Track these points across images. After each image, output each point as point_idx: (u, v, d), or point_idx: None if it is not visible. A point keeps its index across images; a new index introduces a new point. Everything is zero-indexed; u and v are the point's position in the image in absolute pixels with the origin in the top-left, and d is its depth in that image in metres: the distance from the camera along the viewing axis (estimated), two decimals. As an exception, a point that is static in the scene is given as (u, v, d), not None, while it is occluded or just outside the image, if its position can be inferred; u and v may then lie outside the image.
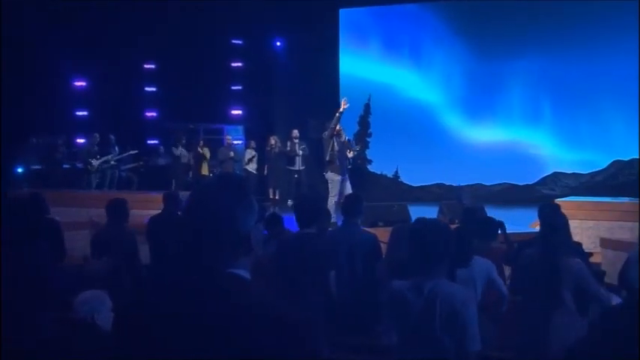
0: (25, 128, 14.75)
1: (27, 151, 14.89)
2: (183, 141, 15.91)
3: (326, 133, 10.59)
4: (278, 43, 17.94)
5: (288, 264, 4.78)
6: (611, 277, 6.14)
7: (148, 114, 17.90)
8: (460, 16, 16.61)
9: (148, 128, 17.80)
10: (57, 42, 14.87)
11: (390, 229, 5.68)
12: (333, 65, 17.26)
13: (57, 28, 14.99)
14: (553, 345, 4.11)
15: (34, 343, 2.80)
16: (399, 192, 16.16)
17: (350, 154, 10.92)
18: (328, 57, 17.08)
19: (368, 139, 17.40)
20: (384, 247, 5.66)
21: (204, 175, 15.52)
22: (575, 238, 7.37)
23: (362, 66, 17.33)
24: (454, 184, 16.11)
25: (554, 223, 4.47)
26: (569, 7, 15.32)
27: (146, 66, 17.73)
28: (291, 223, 7.12)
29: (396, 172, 17.29)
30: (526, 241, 5.67)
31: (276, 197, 15.46)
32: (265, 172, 15.66)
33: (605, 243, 8.43)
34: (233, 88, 17.88)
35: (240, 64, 17.88)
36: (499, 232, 5.72)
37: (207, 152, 15.79)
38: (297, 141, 14.83)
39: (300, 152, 14.74)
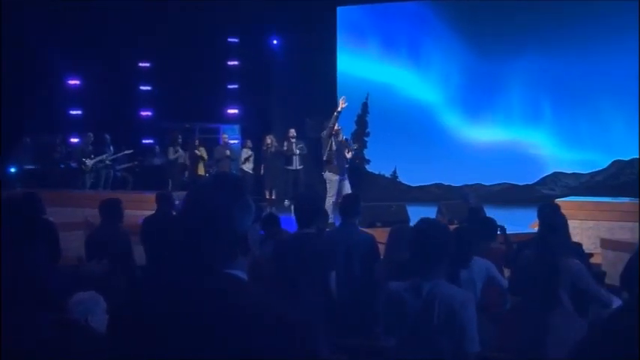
0: (18, 127, 14.72)
1: (20, 151, 14.86)
2: (180, 140, 15.90)
3: (324, 132, 10.59)
4: (275, 42, 17.94)
5: (288, 264, 4.77)
6: (612, 278, 6.15)
7: (143, 113, 17.89)
8: (459, 15, 16.62)
9: (143, 128, 17.78)
10: (50, 40, 14.85)
11: (388, 229, 5.66)
12: (330, 64, 17.26)
13: (51, 25, 14.98)
14: (552, 346, 4.11)
15: (31, 343, 2.80)
16: (398, 192, 16.16)
17: (349, 155, 10.92)
18: (326, 55, 17.07)
19: (366, 139, 17.40)
20: (382, 247, 5.66)
21: (200, 175, 15.51)
22: (575, 238, 7.39)
23: (360, 64, 17.33)
24: (460, 184, 16.15)
25: (553, 223, 4.48)
26: (569, 7, 15.34)
27: (141, 64, 17.72)
28: (287, 223, 7.12)
29: (395, 172, 17.29)
30: (525, 241, 5.67)
31: (273, 197, 15.45)
32: (261, 171, 15.65)
33: (605, 243, 8.44)
34: (229, 86, 17.88)
35: (236, 63, 17.87)
36: (498, 232, 5.74)
37: (204, 152, 15.79)
38: (294, 140, 14.82)
39: (298, 152, 14.73)
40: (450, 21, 16.76)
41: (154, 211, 7.50)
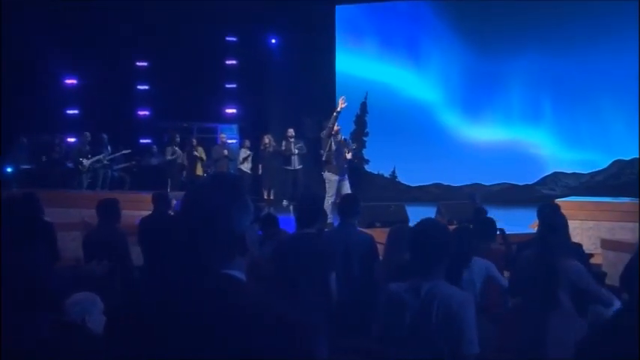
0: (15, 127, 14.70)
1: (16, 151, 14.84)
2: (178, 140, 15.89)
3: (324, 132, 10.61)
4: (273, 41, 17.93)
5: (289, 265, 4.76)
6: (613, 279, 6.15)
7: (141, 113, 17.88)
8: (459, 14, 16.64)
9: (141, 127, 17.77)
10: (47, 39, 14.84)
11: (387, 229, 5.66)
12: (329, 63, 17.27)
13: (48, 24, 14.96)
14: (551, 347, 4.11)
15: (31, 344, 2.80)
16: (397, 192, 16.17)
17: (349, 155, 10.92)
18: (324, 55, 17.08)
19: (365, 139, 17.41)
20: (381, 248, 5.65)
21: (198, 175, 15.51)
22: (576, 238, 7.39)
23: (359, 64, 17.33)
24: (460, 184, 16.16)
25: (553, 223, 4.48)
26: (569, 6, 15.35)
27: (139, 64, 17.71)
28: (286, 223, 7.12)
29: (394, 171, 17.30)
30: (525, 242, 5.68)
31: (271, 197, 15.45)
32: (259, 171, 15.64)
33: (606, 244, 8.44)
34: (227, 86, 17.87)
35: (234, 62, 17.87)
36: (498, 233, 5.74)
37: (202, 153, 15.79)
38: (292, 140, 14.82)
39: (296, 151, 14.73)
40: (449, 20, 16.77)
41: (151, 212, 7.49)
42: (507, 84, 16.23)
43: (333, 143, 10.51)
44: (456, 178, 16.39)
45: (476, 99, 16.48)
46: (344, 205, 5.83)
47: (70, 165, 14.83)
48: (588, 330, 2.75)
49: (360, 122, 17.38)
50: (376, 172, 17.42)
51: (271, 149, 15.25)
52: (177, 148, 15.79)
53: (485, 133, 16.39)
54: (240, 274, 1.68)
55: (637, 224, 7.91)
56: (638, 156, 14.60)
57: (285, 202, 14.73)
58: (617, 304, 4.13)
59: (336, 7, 17.49)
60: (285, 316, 1.60)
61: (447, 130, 16.76)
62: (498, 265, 5.25)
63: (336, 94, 16.16)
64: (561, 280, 4.21)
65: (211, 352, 1.54)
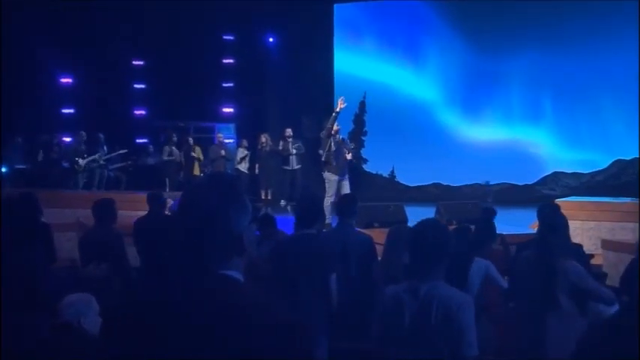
0: (10, 126, 14.68)
1: (11, 150, 14.82)
2: (174, 139, 15.88)
3: (323, 132, 10.63)
4: (271, 39, 17.92)
5: (289, 265, 4.75)
6: (613, 280, 6.16)
7: (137, 112, 17.86)
8: (458, 12, 16.64)
9: (137, 126, 17.75)
10: (43, 38, 14.81)
11: (385, 230, 5.67)
12: (327, 62, 17.26)
13: (43, 23, 14.94)
14: (551, 347, 4.12)
15: (30, 344, 2.80)
16: (396, 192, 16.17)
17: (349, 156, 10.94)
18: (322, 53, 17.07)
19: (363, 138, 17.41)
20: (379, 248, 5.66)
21: (195, 175, 15.50)
22: (576, 239, 7.39)
23: (357, 63, 17.33)
24: (459, 184, 16.17)
25: (553, 223, 4.49)
26: (569, 5, 15.37)
27: (135, 62, 17.69)
28: (284, 224, 7.12)
29: (392, 171, 17.30)
30: (525, 242, 5.68)
31: (269, 197, 15.45)
32: (257, 171, 15.64)
33: (606, 244, 8.45)
34: (224, 85, 17.85)
35: (231, 61, 17.86)
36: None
37: (199, 153, 15.78)
38: (290, 140, 14.82)
39: (294, 151, 14.73)
40: (448, 18, 16.78)
41: (146, 212, 7.48)
42: (507, 83, 16.23)
43: (332, 143, 10.52)
44: (456, 178, 16.40)
45: (475, 98, 16.49)
46: (342, 205, 5.83)
47: (65, 165, 14.81)
48: (587, 329, 2.74)
49: (359, 122, 17.38)
50: (375, 172, 17.42)
51: (268, 149, 15.25)
52: (174, 148, 15.78)
53: (484, 132, 16.40)
54: (237, 275, 1.69)
55: (637, 224, 7.92)
56: (638, 156, 14.61)
57: (282, 202, 14.73)
58: (617, 303, 4.15)
59: (335, 5, 17.49)
60: (283, 317, 1.61)
61: (447, 129, 16.76)
62: (498, 266, 5.26)
63: (334, 93, 16.18)
64: (561, 280, 4.22)
65: (209, 353, 1.54)
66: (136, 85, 17.74)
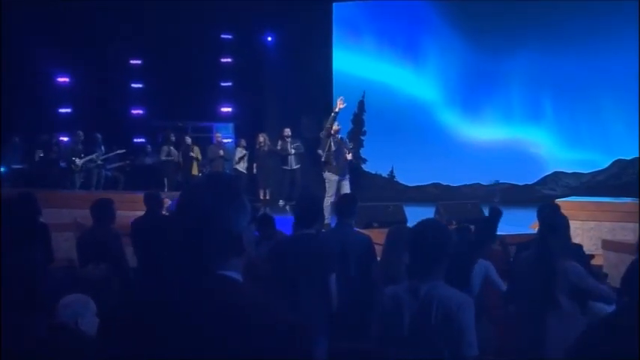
0: (6, 126, 14.66)
1: (7, 150, 14.79)
2: (172, 139, 15.87)
3: (323, 132, 10.64)
4: (269, 38, 17.92)
5: (287, 266, 4.74)
6: (614, 281, 6.16)
7: (134, 111, 17.85)
8: (458, 11, 16.64)
9: (135, 126, 17.74)
10: (39, 36, 14.80)
11: (385, 230, 5.66)
12: (326, 61, 17.25)
13: (39, 22, 14.93)
14: (551, 348, 4.13)
15: (30, 344, 2.81)
16: (395, 192, 16.17)
17: (349, 157, 10.95)
18: (321, 53, 17.07)
19: (362, 138, 17.41)
20: (378, 248, 5.66)
21: (194, 176, 15.49)
22: (577, 239, 7.40)
23: (356, 62, 17.33)
24: (458, 184, 16.17)
25: (554, 223, 4.49)
26: (569, 4, 15.37)
27: (132, 61, 17.67)
28: (282, 224, 7.12)
29: (392, 171, 17.30)
30: (524, 242, 5.68)
31: (267, 197, 15.45)
32: (254, 171, 15.63)
33: (607, 245, 8.45)
34: (222, 84, 17.84)
35: (229, 60, 17.84)
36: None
37: (198, 153, 15.78)
38: (289, 140, 14.81)
39: (293, 151, 14.73)
40: (448, 18, 16.78)
41: (144, 213, 7.47)
42: (507, 83, 16.24)
43: (332, 143, 10.53)
44: (455, 177, 16.40)
45: (475, 98, 16.49)
46: (341, 205, 5.83)
47: (62, 164, 14.79)
48: (585, 329, 2.75)
49: (358, 121, 17.38)
50: (374, 172, 17.42)
51: (266, 148, 15.25)
52: (172, 148, 15.77)
53: (484, 132, 16.40)
54: (236, 275, 1.69)
55: (638, 225, 7.92)
56: (638, 155, 14.61)
57: (281, 202, 14.73)
58: (616, 302, 4.16)
59: (334, 4, 17.48)
60: (282, 317, 1.61)
61: (446, 129, 16.76)
62: (497, 266, 5.26)
63: (333, 92, 16.18)
64: (560, 281, 4.22)
65: (208, 353, 1.54)
66: (134, 85, 17.72)
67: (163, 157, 15.64)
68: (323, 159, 10.58)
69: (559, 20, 15.54)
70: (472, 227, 5.87)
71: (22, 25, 14.62)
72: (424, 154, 16.46)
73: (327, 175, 10.64)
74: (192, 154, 15.69)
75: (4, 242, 3.62)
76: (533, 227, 8.22)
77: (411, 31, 17.17)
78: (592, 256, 5.38)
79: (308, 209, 4.98)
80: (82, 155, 14.32)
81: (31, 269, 3.51)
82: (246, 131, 16.80)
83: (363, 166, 17.41)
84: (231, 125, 17.89)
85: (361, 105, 17.34)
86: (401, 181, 17.21)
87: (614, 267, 7.40)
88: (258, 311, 1.60)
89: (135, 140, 17.57)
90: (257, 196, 15.31)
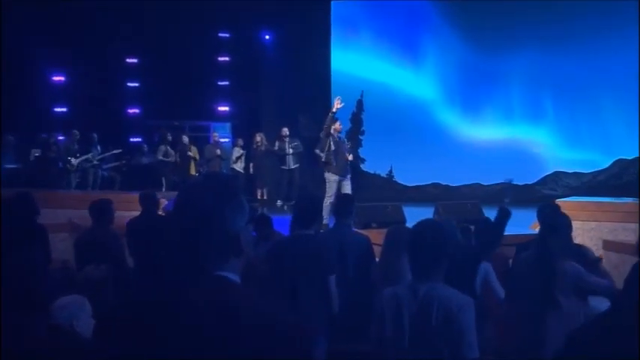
0: (1, 125, 14.63)
1: (2, 149, 14.76)
2: (169, 139, 15.85)
3: (322, 133, 10.66)
4: (267, 37, 17.91)
5: (285, 267, 4.73)
6: (615, 281, 6.15)
7: (131, 111, 17.83)
8: (457, 10, 16.65)
9: (131, 125, 17.72)
10: (34, 34, 14.78)
11: (383, 230, 5.66)
12: (324, 60, 17.25)
13: (34, 20, 14.91)
14: (550, 349, 4.13)
15: (30, 345, 2.80)
16: (394, 192, 16.18)
17: (350, 157, 10.95)
18: (319, 51, 17.06)
19: (361, 137, 17.41)
20: (377, 249, 5.66)
21: (191, 175, 15.48)
22: (577, 239, 7.39)
23: (355, 61, 17.33)
24: (458, 184, 16.17)
25: (555, 223, 4.49)
26: (570, 4, 15.38)
27: (128, 60, 17.66)
28: (280, 224, 7.11)
29: (390, 171, 17.31)
30: (524, 243, 5.68)
31: (264, 197, 15.44)
32: (251, 171, 15.62)
33: (608, 245, 8.45)
34: (220, 83, 17.83)
35: (227, 59, 17.83)
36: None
37: (195, 153, 15.77)
38: (287, 139, 14.80)
39: (291, 151, 14.71)
40: (448, 16, 16.79)
41: (139, 213, 7.45)
42: (507, 82, 16.25)
43: (332, 143, 10.52)
44: (455, 177, 16.41)
45: (475, 97, 16.50)
46: (338, 205, 5.84)
47: (58, 164, 14.76)
48: (582, 325, 2.75)
49: (356, 120, 17.38)
50: (373, 172, 17.42)
51: (263, 148, 15.23)
52: (169, 148, 15.75)
53: (484, 131, 16.41)
54: (234, 276, 1.69)
55: (638, 225, 7.91)
56: (638, 155, 14.63)
57: (279, 203, 14.72)
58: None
59: (332, 2, 17.48)
60: (280, 318, 1.60)
61: (446, 128, 16.77)
62: (496, 266, 5.26)
63: (331, 91, 16.17)
64: (560, 281, 4.23)
65: (206, 354, 1.54)
66: (130, 84, 17.71)
67: (160, 157, 15.62)
68: (323, 159, 10.58)
69: (559, 20, 15.56)
70: (472, 227, 5.87)
71: (16, 24, 14.59)
72: (423, 153, 16.46)
73: (327, 175, 10.63)
74: (189, 153, 15.68)
75: (3, 242, 3.62)
76: (533, 227, 8.23)
77: (410, 30, 17.18)
78: (600, 258, 5.37)
79: (307, 209, 4.97)
80: (78, 155, 14.31)
81: (31, 269, 3.51)
82: (243, 130, 16.79)
83: (362, 166, 17.42)
84: (228, 125, 17.88)
85: (360, 104, 17.35)
86: (400, 181, 17.21)
87: (615, 268, 7.39)
88: (256, 312, 1.60)
89: (131, 140, 17.55)
90: (254, 196, 15.29)
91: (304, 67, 16.59)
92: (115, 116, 17.02)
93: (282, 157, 14.79)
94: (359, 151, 17.29)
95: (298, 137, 15.12)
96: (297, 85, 16.53)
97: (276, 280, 4.76)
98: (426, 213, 8.44)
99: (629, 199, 10.71)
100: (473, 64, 16.42)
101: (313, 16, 16.81)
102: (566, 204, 8.68)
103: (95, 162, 14.55)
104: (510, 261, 5.66)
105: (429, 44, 17.06)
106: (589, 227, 9.36)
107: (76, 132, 14.64)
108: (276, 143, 14.92)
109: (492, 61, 16.22)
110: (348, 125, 17.03)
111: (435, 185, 16.72)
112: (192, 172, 15.64)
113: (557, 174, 16.08)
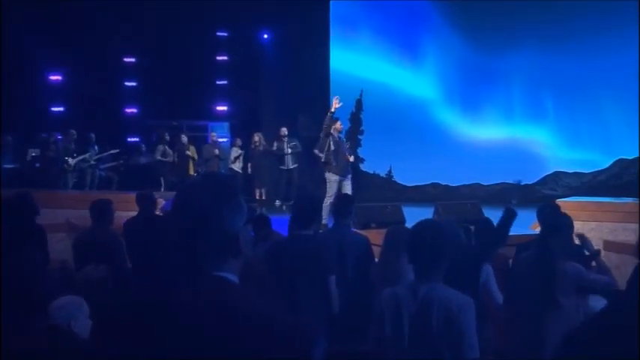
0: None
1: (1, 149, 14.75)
2: (167, 138, 15.85)
3: (322, 133, 10.67)
4: (265, 36, 17.91)
5: (286, 267, 4.73)
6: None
7: (128, 110, 17.83)
8: (457, 9, 16.65)
9: (128, 125, 17.72)
10: (30, 33, 14.78)
11: (383, 231, 5.67)
12: (323, 59, 17.24)
13: (31, 18, 14.90)
14: (551, 349, 4.13)
15: (30, 345, 2.81)
16: (393, 192, 16.18)
17: (351, 158, 10.96)
18: (318, 51, 17.06)
19: (360, 137, 17.41)
20: (376, 249, 5.66)
21: (190, 175, 15.48)
22: (577, 240, 7.39)
23: (354, 60, 17.32)
24: (458, 184, 16.17)
25: (556, 223, 4.50)
26: (570, 3, 15.39)
27: (126, 59, 17.65)
28: (278, 224, 7.11)
29: (390, 171, 17.31)
30: (524, 243, 5.69)
31: (263, 197, 15.43)
32: (249, 171, 15.62)
33: (608, 245, 8.45)
34: (218, 82, 17.83)
35: (225, 58, 17.83)
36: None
37: (194, 152, 15.77)
38: (285, 139, 14.80)
39: (290, 150, 14.71)
40: (447, 15, 16.79)
41: (136, 213, 7.46)
42: (507, 81, 16.26)
43: (331, 143, 10.52)
44: (455, 177, 16.42)
45: (475, 96, 16.51)
46: (337, 205, 5.83)
47: (58, 164, 14.74)
48: (581, 324, 2.76)
49: (355, 120, 17.38)
50: (372, 172, 17.42)
51: (261, 148, 15.22)
52: (167, 147, 15.75)
53: (484, 131, 16.42)
54: (232, 277, 1.69)
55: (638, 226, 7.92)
56: (638, 155, 14.63)
57: (278, 203, 14.73)
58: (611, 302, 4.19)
59: (331, 2, 17.48)
60: (279, 319, 1.61)
61: (445, 128, 16.78)
62: (495, 266, 5.26)
63: (330, 91, 16.17)
64: (560, 281, 4.24)
65: (204, 355, 1.54)
66: (127, 83, 17.71)
67: (159, 157, 15.61)
68: (323, 159, 10.58)
69: (559, 19, 15.56)
70: (472, 228, 5.87)
71: (13, 24, 14.58)
72: (423, 153, 16.47)
73: (328, 175, 10.62)
74: (188, 152, 15.67)
75: (2, 242, 3.62)
76: (533, 228, 8.24)
77: (410, 29, 17.18)
78: (598, 251, 5.36)
79: (306, 210, 4.97)
80: (75, 155, 14.28)
81: (30, 270, 3.51)
82: (242, 130, 16.78)
83: (361, 166, 17.41)
84: (226, 124, 17.87)
85: (359, 104, 17.35)
86: (399, 181, 17.22)
87: (616, 268, 7.36)
88: (254, 313, 1.60)
89: (129, 139, 17.55)
90: (253, 196, 15.29)
91: (303, 67, 16.58)
92: (112, 116, 17.02)
93: (280, 157, 14.79)
94: (358, 150, 17.29)
95: (297, 137, 15.11)
96: (296, 85, 16.53)
97: (274, 281, 4.76)
98: (425, 213, 8.44)
99: (630, 200, 10.71)
100: (473, 64, 16.43)
101: (312, 15, 16.81)
102: (567, 204, 8.69)
103: (92, 162, 14.53)
104: (510, 261, 5.66)
105: (428, 43, 17.07)
106: (589, 227, 9.34)
107: (73, 131, 14.62)
108: (275, 143, 14.92)
109: (492, 60, 16.23)
110: (347, 125, 17.04)
111: (435, 185, 16.73)
112: (191, 172, 15.64)
113: (557, 174, 16.09)
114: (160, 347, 1.56)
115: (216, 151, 15.55)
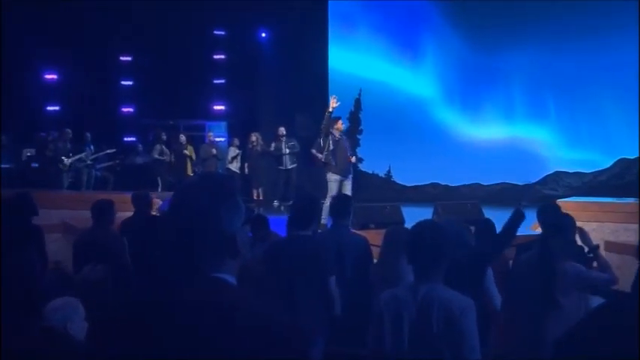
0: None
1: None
2: (164, 138, 15.84)
3: (321, 132, 10.67)
4: (263, 34, 17.92)
5: (283, 268, 4.73)
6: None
7: (125, 109, 17.83)
8: (456, 8, 16.66)
9: (125, 125, 17.71)
10: (26, 31, 14.76)
11: (382, 231, 5.67)
12: (321, 58, 17.25)
13: (26, 16, 14.89)
14: (550, 351, 4.14)
15: (29, 345, 2.82)
16: (392, 192, 16.18)
17: (352, 159, 10.95)
18: (317, 49, 17.06)
19: (359, 137, 17.41)
20: (375, 250, 5.66)
21: (187, 175, 15.47)
22: (578, 240, 7.39)
23: (352, 59, 17.33)
24: (457, 184, 16.16)
25: (558, 224, 4.50)
26: (570, 2, 15.40)
27: (122, 58, 17.65)
28: (276, 224, 7.11)
29: (389, 171, 17.31)
30: (524, 243, 5.69)
31: (261, 198, 15.43)
32: (246, 171, 15.61)
33: (609, 246, 8.45)
34: (215, 81, 17.84)
35: (222, 57, 17.84)
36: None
37: (192, 152, 15.76)
38: (283, 139, 14.79)
39: (287, 150, 14.70)
40: (447, 14, 16.80)
41: (132, 213, 7.46)
42: (507, 81, 16.26)
43: (331, 143, 10.51)
44: (454, 177, 16.42)
45: (475, 96, 16.51)
46: (336, 206, 5.82)
47: (56, 163, 14.72)
48: (581, 322, 2.76)
49: (354, 119, 17.39)
50: (371, 172, 17.43)
51: (259, 148, 15.22)
52: (164, 147, 15.74)
53: (484, 131, 16.42)
54: (230, 278, 1.69)
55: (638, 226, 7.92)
56: (638, 155, 14.64)
57: (275, 203, 14.72)
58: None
59: (329, 1, 17.48)
60: (276, 320, 1.61)
61: (445, 127, 16.78)
62: (495, 267, 5.26)
63: (328, 90, 16.16)
64: (560, 282, 4.24)
65: (202, 356, 1.54)
66: (124, 82, 17.70)
67: (156, 156, 15.61)
68: (322, 159, 10.57)
69: (560, 19, 15.56)
70: (472, 228, 5.88)
71: (8, 23, 14.57)
72: (422, 153, 16.47)
73: (328, 175, 10.60)
74: (185, 152, 15.66)
75: (1, 242, 3.62)
76: (533, 228, 8.23)
77: (409, 28, 17.18)
78: (597, 246, 5.35)
79: (304, 210, 4.96)
80: (71, 154, 14.25)
81: (27, 271, 3.51)
82: (239, 130, 16.78)
83: (360, 166, 17.40)
84: (224, 124, 17.87)
85: (358, 103, 17.35)
86: (398, 181, 17.22)
87: (617, 269, 7.36)
88: (251, 314, 1.60)
89: (125, 139, 17.55)
90: (251, 196, 15.28)
91: (301, 66, 16.58)
92: (108, 115, 17.02)
93: (278, 157, 14.78)
94: (357, 150, 17.28)
95: (295, 137, 15.11)
96: (294, 84, 16.52)
97: (272, 282, 4.75)
98: (425, 213, 8.46)
99: (631, 200, 10.72)
100: (472, 63, 16.43)
101: (310, 14, 16.82)
102: (567, 204, 8.69)
103: (88, 162, 14.51)
104: (510, 262, 5.66)
105: (427, 42, 17.07)
106: (590, 228, 9.28)
107: (69, 131, 14.58)
108: (273, 143, 14.90)
109: (492, 59, 16.23)
110: (346, 124, 17.03)
111: (434, 185, 16.73)
112: (189, 172, 15.63)
113: (558, 174, 16.09)
114: (157, 348, 1.56)
115: (214, 151, 15.54)
